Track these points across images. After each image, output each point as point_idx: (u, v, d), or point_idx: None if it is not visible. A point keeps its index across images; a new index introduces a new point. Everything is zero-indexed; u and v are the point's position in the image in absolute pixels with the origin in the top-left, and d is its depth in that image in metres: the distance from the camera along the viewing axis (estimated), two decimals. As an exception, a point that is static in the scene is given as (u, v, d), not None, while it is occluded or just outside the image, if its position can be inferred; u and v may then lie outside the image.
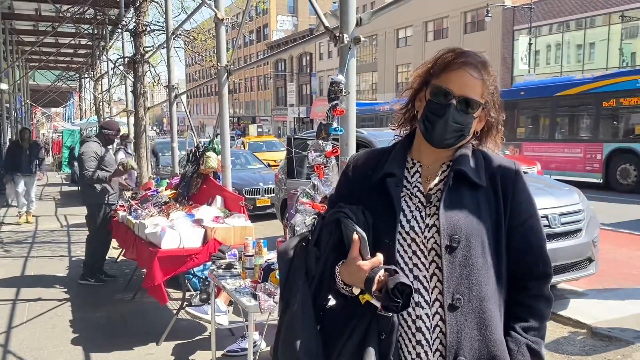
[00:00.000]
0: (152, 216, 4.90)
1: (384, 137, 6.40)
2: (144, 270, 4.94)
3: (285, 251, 1.53)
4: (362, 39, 2.90)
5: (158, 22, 11.06)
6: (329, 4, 47.05)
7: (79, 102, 26.15)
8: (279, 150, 18.42)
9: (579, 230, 5.06)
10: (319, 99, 39.46)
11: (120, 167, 6.12)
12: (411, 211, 1.42)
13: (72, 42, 14.89)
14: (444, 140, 1.42)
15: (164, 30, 7.93)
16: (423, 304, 1.36)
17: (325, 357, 1.40)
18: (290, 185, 7.39)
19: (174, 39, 7.72)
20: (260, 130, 50.26)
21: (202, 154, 5.45)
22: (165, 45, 7.70)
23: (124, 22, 10.74)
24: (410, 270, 1.38)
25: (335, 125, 2.80)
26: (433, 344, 1.36)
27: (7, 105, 15.57)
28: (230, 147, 5.93)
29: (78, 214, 8.98)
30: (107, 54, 13.63)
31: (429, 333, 1.36)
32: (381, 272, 1.30)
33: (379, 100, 32.95)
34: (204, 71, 64.86)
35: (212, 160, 5.35)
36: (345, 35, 2.89)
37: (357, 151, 2.11)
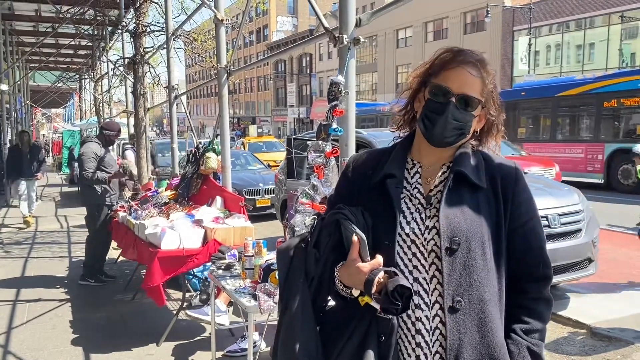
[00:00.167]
0: (152, 217, 4.90)
1: (384, 137, 6.40)
2: (144, 270, 4.94)
3: (284, 252, 1.53)
4: (362, 39, 2.91)
5: (158, 22, 11.10)
6: (329, 5, 47.04)
7: (79, 103, 26.16)
8: (278, 151, 18.43)
9: (579, 230, 5.06)
10: (319, 100, 39.44)
11: (120, 170, 6.12)
12: (411, 213, 1.41)
13: (72, 42, 14.89)
14: (443, 139, 1.41)
15: (164, 31, 7.93)
16: (423, 306, 1.36)
17: (325, 358, 1.40)
18: (290, 185, 7.40)
19: (174, 39, 7.72)
20: (260, 130, 50.30)
21: (202, 155, 5.45)
22: (165, 46, 7.71)
23: (124, 23, 10.74)
24: (410, 273, 1.38)
25: (335, 125, 2.80)
26: (433, 347, 1.35)
27: (7, 106, 15.57)
28: (230, 147, 5.93)
29: (78, 214, 8.98)
30: (107, 54, 13.65)
31: (429, 335, 1.35)
32: (381, 274, 1.30)
33: (379, 101, 32.96)
34: (204, 72, 64.89)
35: (212, 160, 5.35)
36: (345, 36, 2.89)
37: (356, 152, 2.11)
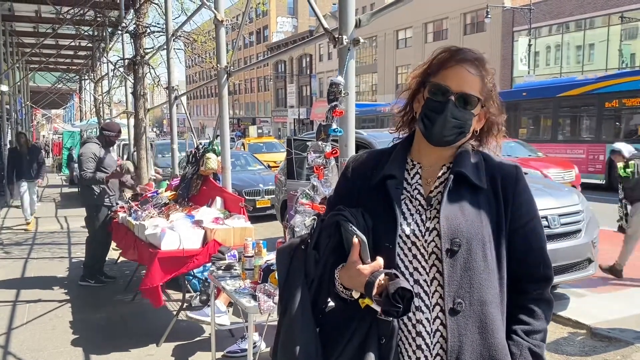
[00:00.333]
0: (152, 217, 4.90)
1: (384, 138, 6.39)
2: (144, 271, 4.94)
3: (284, 253, 1.52)
4: (362, 40, 2.91)
5: (158, 23, 11.10)
6: (329, 6, 47.04)
7: (79, 104, 26.18)
8: (278, 152, 18.44)
9: (579, 230, 5.06)
10: (319, 100, 39.46)
11: (117, 169, 6.12)
12: (411, 214, 1.40)
13: (72, 43, 14.89)
14: (443, 138, 1.40)
15: (164, 32, 7.93)
16: (423, 308, 1.35)
17: (325, 360, 1.39)
18: (290, 186, 7.39)
19: (174, 40, 7.73)
20: (260, 131, 50.36)
21: (202, 155, 5.45)
22: (165, 47, 7.71)
23: (124, 24, 10.75)
24: (411, 274, 1.37)
25: (334, 126, 2.80)
26: (433, 349, 1.35)
27: (7, 107, 15.57)
28: (230, 148, 5.93)
29: (78, 215, 8.97)
30: (107, 55, 13.66)
31: (429, 337, 1.35)
32: (381, 277, 1.29)
33: (379, 102, 32.98)
34: (204, 72, 64.82)
35: (212, 161, 5.35)
36: (345, 37, 2.89)
37: (356, 152, 2.11)
